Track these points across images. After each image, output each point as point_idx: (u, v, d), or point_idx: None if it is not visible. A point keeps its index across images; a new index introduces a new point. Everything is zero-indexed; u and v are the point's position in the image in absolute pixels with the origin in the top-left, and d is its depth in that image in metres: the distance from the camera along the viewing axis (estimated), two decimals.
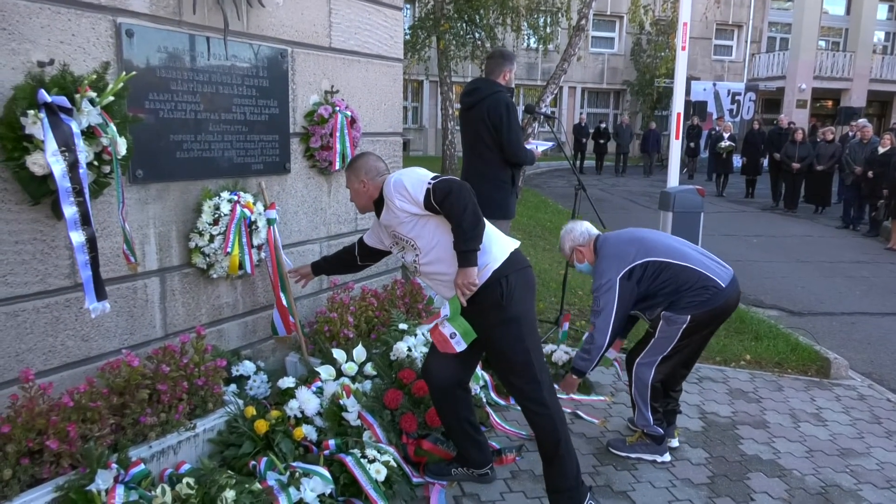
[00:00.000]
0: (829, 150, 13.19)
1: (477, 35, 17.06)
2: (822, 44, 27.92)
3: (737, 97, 23.28)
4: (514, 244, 2.94)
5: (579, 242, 3.60)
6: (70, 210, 2.45)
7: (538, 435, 2.96)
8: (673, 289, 3.34)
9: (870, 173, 11.15)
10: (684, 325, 3.36)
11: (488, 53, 7.05)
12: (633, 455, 3.63)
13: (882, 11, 28.58)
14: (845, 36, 28.43)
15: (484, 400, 3.94)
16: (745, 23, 28.64)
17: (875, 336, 6.30)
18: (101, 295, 2.58)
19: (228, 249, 3.39)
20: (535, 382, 2.87)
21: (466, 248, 2.67)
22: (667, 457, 3.63)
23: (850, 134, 14.21)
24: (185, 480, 2.58)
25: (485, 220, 2.79)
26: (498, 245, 2.86)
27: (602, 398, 4.37)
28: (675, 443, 3.75)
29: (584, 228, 3.63)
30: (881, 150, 11.03)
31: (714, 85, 23.72)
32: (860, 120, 13.94)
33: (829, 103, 28.51)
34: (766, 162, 15.74)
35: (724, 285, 3.35)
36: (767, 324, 5.95)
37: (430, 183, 2.72)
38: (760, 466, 3.64)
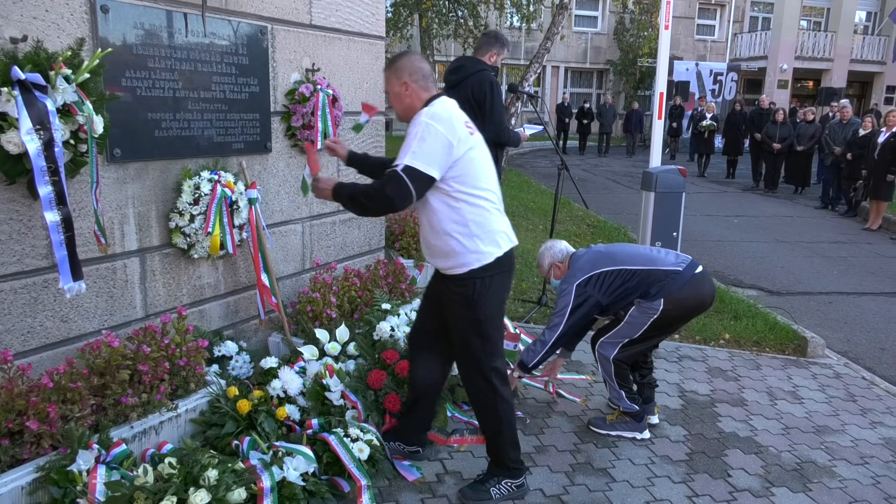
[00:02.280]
0: (810, 131, 13.29)
1: (460, 13, 16.94)
2: (804, 24, 28.02)
3: (719, 77, 23.32)
4: (505, 245, 2.82)
5: (558, 259, 3.73)
6: (45, 189, 2.41)
7: (478, 416, 3.07)
8: (635, 286, 3.45)
9: (849, 155, 11.27)
10: (656, 315, 3.41)
11: (484, 32, 7.00)
12: (613, 433, 3.69)
13: None
14: (827, 16, 28.52)
15: None
16: (727, 2, 28.63)
17: (851, 315, 6.41)
18: (77, 275, 2.55)
19: (209, 229, 3.36)
20: (481, 374, 2.92)
21: (342, 193, 2.80)
22: (646, 434, 3.68)
23: (831, 114, 14.31)
24: (167, 460, 2.58)
25: (488, 214, 2.76)
26: (487, 244, 2.75)
27: (583, 377, 4.42)
28: (654, 420, 3.81)
29: (563, 247, 3.77)
30: (862, 132, 11.13)
31: (696, 65, 23.74)
32: (841, 101, 14.04)
33: (811, 84, 28.66)
34: (747, 142, 15.83)
35: (681, 269, 3.44)
36: (746, 303, 6.03)
37: (403, 164, 2.62)
38: (738, 443, 3.70)
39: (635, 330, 3.48)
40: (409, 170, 2.61)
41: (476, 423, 3.51)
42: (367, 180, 3.02)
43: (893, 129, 10.10)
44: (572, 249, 3.76)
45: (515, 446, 3.02)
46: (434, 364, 3.16)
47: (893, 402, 4.39)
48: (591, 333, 3.79)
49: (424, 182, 2.63)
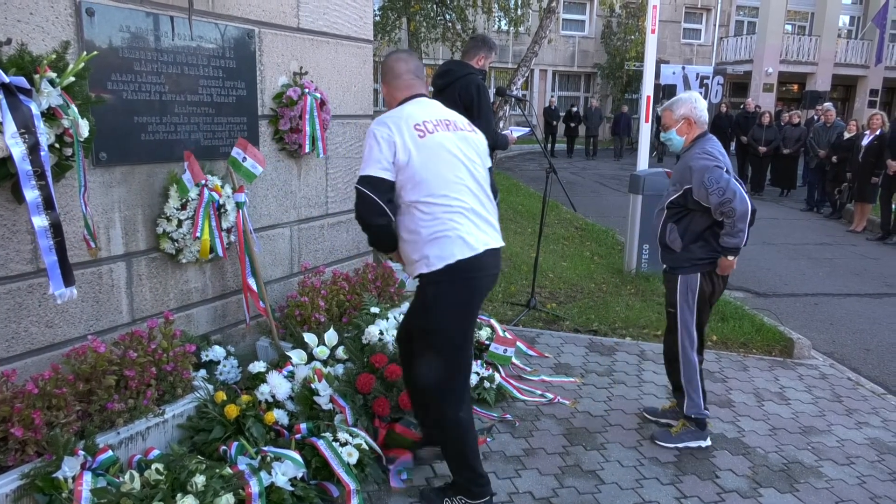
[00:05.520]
0: (795, 134, 13.42)
1: (448, 17, 16.96)
2: (789, 28, 28.29)
3: (705, 81, 23.44)
4: (461, 253, 2.61)
5: (697, 118, 3.53)
6: (32, 194, 2.39)
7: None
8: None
9: (834, 158, 11.37)
10: (697, 287, 3.48)
11: (472, 36, 7.03)
12: (680, 444, 3.63)
13: None
14: (811, 20, 28.82)
15: None
16: (713, 6, 28.85)
17: (837, 316, 6.46)
18: (68, 280, 2.53)
19: (198, 234, 3.34)
20: (432, 392, 2.82)
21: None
22: (709, 441, 3.67)
23: (815, 117, 14.44)
24: (154, 466, 2.56)
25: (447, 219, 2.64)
26: (436, 250, 2.61)
27: (572, 379, 4.42)
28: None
29: (706, 115, 3.58)
30: (847, 135, 11.24)
31: (683, 68, 23.85)
32: (825, 104, 14.18)
33: (795, 87, 28.93)
34: (733, 145, 15.94)
35: None
36: (733, 305, 6.06)
37: (357, 177, 2.63)
38: (725, 444, 3.72)
39: (691, 313, 3.52)
40: (362, 179, 2.61)
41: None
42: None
43: (877, 133, 10.21)
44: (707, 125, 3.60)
45: (465, 467, 2.84)
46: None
47: (878, 403, 4.43)
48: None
49: (382, 187, 2.60)
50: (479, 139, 2.88)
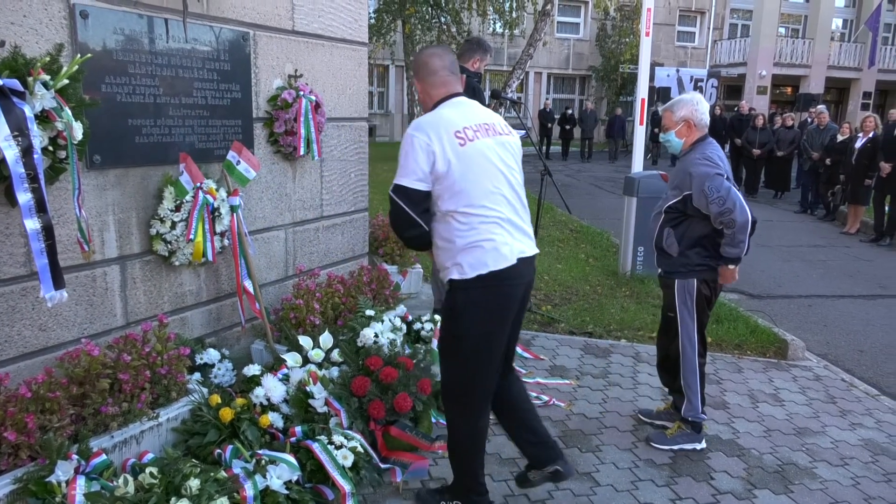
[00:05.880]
0: (789, 136, 13.46)
1: (443, 19, 16.98)
2: (783, 31, 28.42)
3: (699, 83, 23.56)
4: (494, 263, 2.55)
5: (697, 122, 3.47)
6: (24, 197, 2.38)
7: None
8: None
9: (827, 160, 11.42)
10: (695, 291, 3.48)
11: (467, 38, 7.04)
12: (675, 447, 3.63)
13: None
14: (804, 23, 28.97)
15: None
16: (707, 9, 28.98)
17: (830, 318, 6.49)
18: (59, 283, 2.52)
19: (191, 236, 3.33)
20: (450, 399, 2.78)
21: None
22: (704, 443, 3.67)
23: (809, 120, 14.51)
24: (148, 470, 2.55)
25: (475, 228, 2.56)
26: (469, 258, 2.55)
27: (567, 381, 4.43)
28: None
29: (707, 118, 3.52)
30: (840, 137, 11.29)
31: (677, 71, 23.97)
32: (819, 106, 14.24)
33: (789, 90, 29.04)
34: (727, 148, 16.00)
35: None
36: (728, 307, 6.07)
37: (393, 185, 2.57)
38: (720, 446, 3.73)
39: (690, 316, 3.51)
40: (397, 189, 2.55)
41: None
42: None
43: (870, 135, 10.26)
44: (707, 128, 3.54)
45: (468, 474, 2.81)
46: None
47: (872, 404, 4.44)
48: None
49: (417, 198, 2.54)
50: (515, 142, 2.80)
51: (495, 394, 2.83)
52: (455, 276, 2.58)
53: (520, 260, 2.62)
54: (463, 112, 2.67)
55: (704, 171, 3.33)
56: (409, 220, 2.57)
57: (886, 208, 10.10)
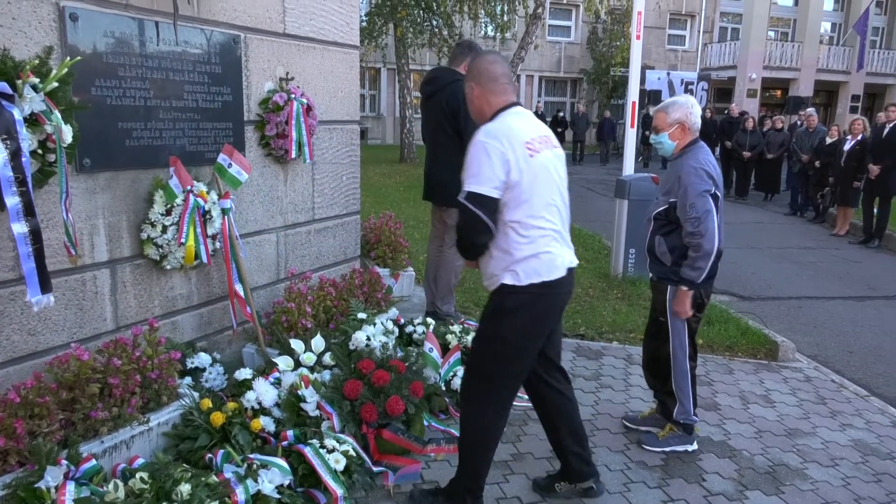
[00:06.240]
0: (779, 139, 13.56)
1: (434, 23, 17.00)
2: (772, 34, 28.60)
3: (690, 86, 23.65)
4: (547, 274, 2.63)
5: (691, 125, 3.45)
6: (12, 200, 2.37)
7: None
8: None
9: (817, 163, 11.49)
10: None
11: (458, 42, 7.04)
12: (667, 449, 3.64)
13: (829, 3, 29.40)
14: (794, 27, 29.17)
15: (443, 388, 3.94)
16: (697, 13, 29.15)
17: (820, 319, 6.52)
18: (45, 287, 2.51)
19: (182, 240, 3.32)
20: (471, 396, 2.82)
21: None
22: (695, 445, 3.68)
23: (798, 123, 14.61)
24: (138, 475, 2.53)
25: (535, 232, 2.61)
26: (534, 267, 2.61)
27: None
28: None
29: (699, 123, 3.51)
30: (829, 140, 11.37)
31: (668, 74, 24.07)
32: (808, 109, 14.34)
33: (778, 93, 29.24)
34: (717, 150, 16.09)
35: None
36: (719, 308, 6.10)
37: (465, 192, 2.56)
38: (712, 447, 3.74)
39: (682, 323, 3.50)
40: (471, 196, 2.53)
41: (452, 432, 3.51)
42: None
43: (859, 138, 10.33)
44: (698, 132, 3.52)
45: (472, 475, 2.84)
46: (536, 390, 3.04)
47: (862, 405, 4.47)
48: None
49: (492, 206, 2.54)
50: (563, 155, 2.87)
51: (555, 399, 2.97)
52: (508, 280, 2.63)
53: (568, 270, 2.72)
54: (528, 123, 2.71)
55: (696, 187, 3.32)
56: (484, 227, 2.56)
57: (875, 210, 10.18)
